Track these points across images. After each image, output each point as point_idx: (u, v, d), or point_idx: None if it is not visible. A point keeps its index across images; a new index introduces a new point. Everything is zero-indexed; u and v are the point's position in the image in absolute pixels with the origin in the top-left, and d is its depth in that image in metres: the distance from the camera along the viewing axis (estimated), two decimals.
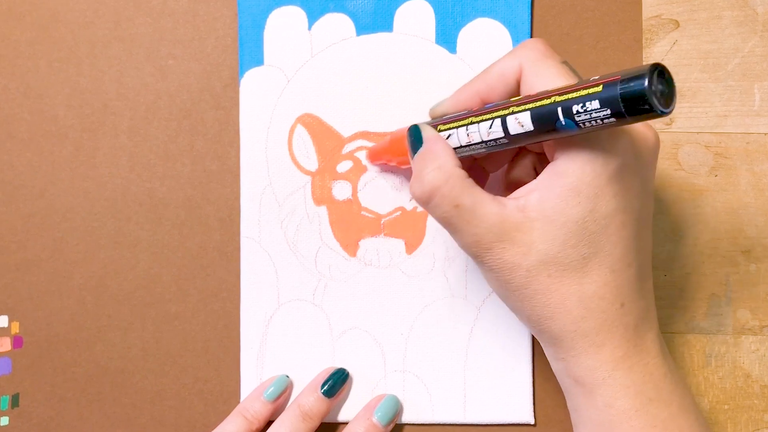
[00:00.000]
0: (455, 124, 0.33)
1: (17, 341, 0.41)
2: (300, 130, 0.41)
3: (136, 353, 0.41)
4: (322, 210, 0.41)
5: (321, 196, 0.41)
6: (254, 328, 0.41)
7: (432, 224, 0.41)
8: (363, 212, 0.41)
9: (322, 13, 0.41)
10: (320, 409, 0.39)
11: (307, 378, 0.41)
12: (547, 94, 0.29)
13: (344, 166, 0.41)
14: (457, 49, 0.41)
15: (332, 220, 0.41)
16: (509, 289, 0.31)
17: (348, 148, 0.41)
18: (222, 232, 0.41)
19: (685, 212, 0.42)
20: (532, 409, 0.41)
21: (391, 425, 0.40)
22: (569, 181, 0.29)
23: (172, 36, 0.41)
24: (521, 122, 0.29)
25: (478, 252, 0.31)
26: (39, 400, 0.41)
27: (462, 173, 0.31)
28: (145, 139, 0.41)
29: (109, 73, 0.41)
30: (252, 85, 0.41)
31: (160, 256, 0.41)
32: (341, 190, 0.41)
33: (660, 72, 0.26)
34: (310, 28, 0.41)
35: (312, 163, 0.41)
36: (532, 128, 0.29)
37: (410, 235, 0.41)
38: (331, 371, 0.40)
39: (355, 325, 0.41)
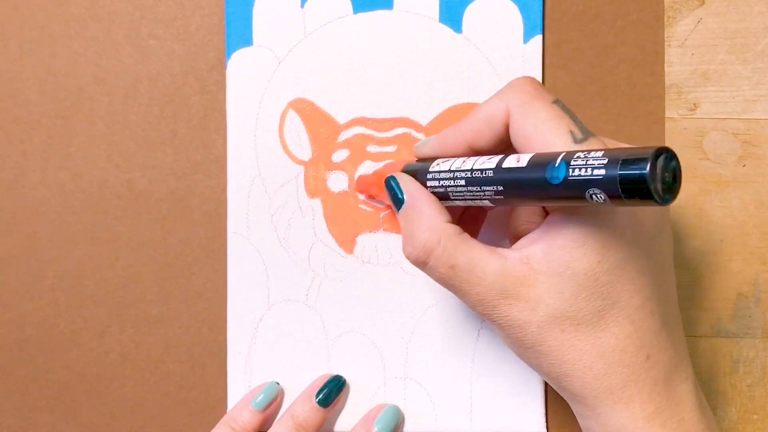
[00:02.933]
0: (442, 175, 0.32)
1: None
2: (292, 116, 0.40)
3: (115, 359, 0.40)
4: (316, 203, 0.40)
5: (315, 187, 0.40)
6: (242, 332, 0.40)
7: None
8: (360, 205, 0.40)
9: None
10: (315, 419, 0.38)
11: (300, 386, 0.40)
12: (549, 158, 0.27)
13: (340, 155, 0.40)
14: (463, 27, 0.40)
15: (327, 214, 0.40)
16: (523, 347, 0.31)
17: (344, 135, 0.40)
18: (207, 227, 0.40)
19: (711, 206, 0.40)
20: (544, 419, 0.40)
21: None
22: (573, 232, 0.28)
23: (153, 14, 0.41)
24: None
25: (484, 311, 0.30)
26: (8, 409, 0.41)
27: (454, 230, 0.31)
28: (123, 126, 0.40)
29: (85, 54, 0.41)
30: (240, 67, 0.40)
31: (141, 253, 0.40)
32: (337, 182, 0.40)
33: (666, 156, 0.24)
34: (303, 5, 0.40)
35: (305, 151, 0.40)
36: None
37: None
38: (327, 378, 0.39)
39: (351, 328, 0.40)
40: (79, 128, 0.40)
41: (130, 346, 0.40)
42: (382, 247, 0.40)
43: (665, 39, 0.40)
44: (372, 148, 0.40)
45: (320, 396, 0.38)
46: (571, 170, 0.26)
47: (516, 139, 0.30)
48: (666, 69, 0.40)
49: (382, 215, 0.40)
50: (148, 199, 0.40)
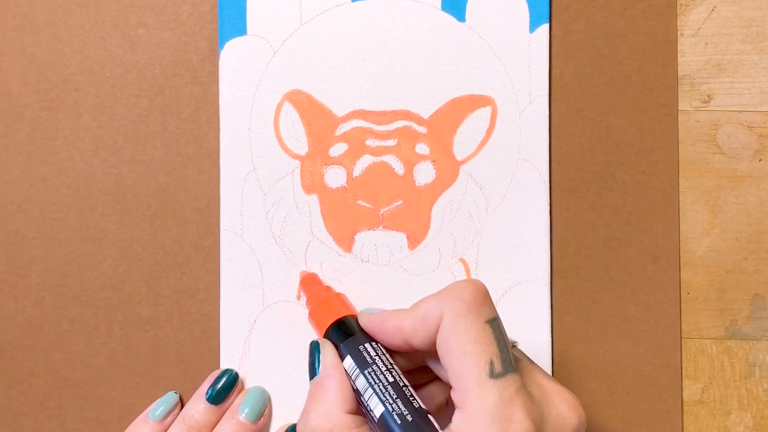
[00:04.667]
0: (361, 366, 0.33)
1: None
2: (288, 108, 0.40)
3: (102, 362, 0.40)
4: (313, 199, 0.39)
5: (311, 183, 0.39)
6: (236, 334, 0.39)
7: (437, 216, 0.39)
8: (359, 201, 0.39)
9: None
10: (208, 420, 0.37)
11: (295, 390, 0.39)
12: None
13: (338, 150, 0.39)
14: (467, 16, 0.39)
15: (324, 211, 0.39)
16: None
17: (342, 128, 0.40)
18: (199, 224, 0.40)
19: (725, 202, 0.40)
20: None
21: (263, 419, 0.38)
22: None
23: (142, 1, 0.40)
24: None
25: None
26: None
27: (350, 422, 0.31)
28: (111, 118, 0.40)
29: (71, 43, 0.40)
30: (233, 57, 0.40)
31: (129, 251, 0.40)
32: (334, 177, 0.39)
33: None
34: None
35: (301, 146, 0.40)
36: None
37: (413, 227, 0.39)
38: (217, 374, 0.38)
39: None
40: (64, 121, 0.40)
41: (118, 349, 0.40)
42: (381, 245, 0.39)
43: (678, 28, 0.40)
44: (371, 142, 0.39)
45: (210, 393, 0.37)
46: None
47: (440, 347, 0.30)
48: (678, 59, 0.39)
49: (382, 212, 0.39)
50: (136, 195, 0.40)
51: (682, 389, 0.39)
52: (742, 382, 0.39)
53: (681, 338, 0.39)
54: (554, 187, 0.39)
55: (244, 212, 0.39)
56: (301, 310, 0.39)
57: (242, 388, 0.39)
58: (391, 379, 0.31)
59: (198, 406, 0.37)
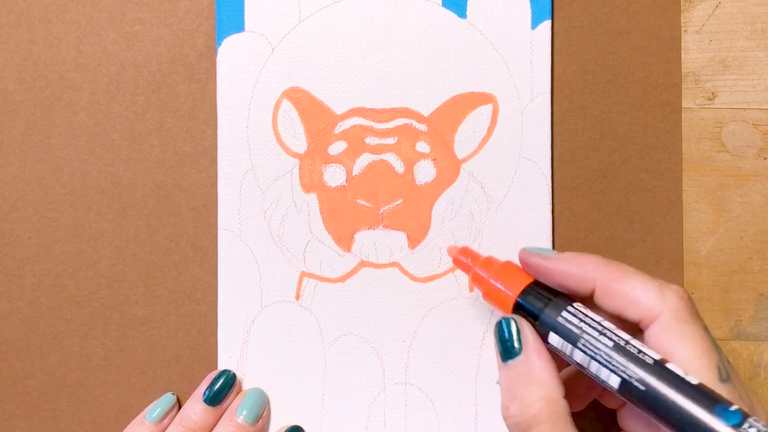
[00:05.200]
0: (591, 341, 0.30)
1: None
2: (286, 105, 0.39)
3: (98, 363, 0.39)
4: (312, 198, 0.39)
5: (310, 182, 0.39)
6: (233, 335, 0.39)
7: (438, 215, 0.39)
8: (359, 200, 0.39)
9: None
10: (206, 421, 0.37)
11: (294, 392, 0.39)
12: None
13: (337, 148, 0.39)
14: (468, 12, 0.39)
15: (323, 210, 0.39)
16: None
17: (341, 126, 0.39)
18: (196, 223, 0.40)
19: (730, 201, 0.39)
20: None
21: (261, 421, 0.38)
22: None
23: None
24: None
25: None
26: None
27: (566, 408, 0.30)
28: (107, 116, 0.40)
29: (66, 40, 0.40)
30: (231, 54, 0.39)
31: (125, 251, 0.39)
32: (333, 175, 0.39)
33: None
34: None
35: (300, 144, 0.39)
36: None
37: (413, 226, 0.39)
38: (214, 375, 0.38)
39: (349, 331, 0.39)
40: (59, 119, 0.39)
41: (114, 350, 0.39)
42: (381, 244, 0.39)
43: (682, 24, 0.39)
44: (371, 140, 0.39)
45: (207, 394, 0.37)
46: (746, 425, 0.25)
47: (657, 346, 0.29)
48: (683, 56, 0.39)
49: (381, 211, 0.39)
50: (133, 194, 0.39)
51: None
52: (747, 383, 0.39)
53: None
54: (556, 186, 0.39)
55: (241, 211, 0.39)
56: (299, 310, 0.39)
57: (240, 389, 0.38)
58: (610, 343, 0.29)
59: (195, 407, 0.37)
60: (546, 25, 0.38)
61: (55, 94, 0.39)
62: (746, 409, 0.27)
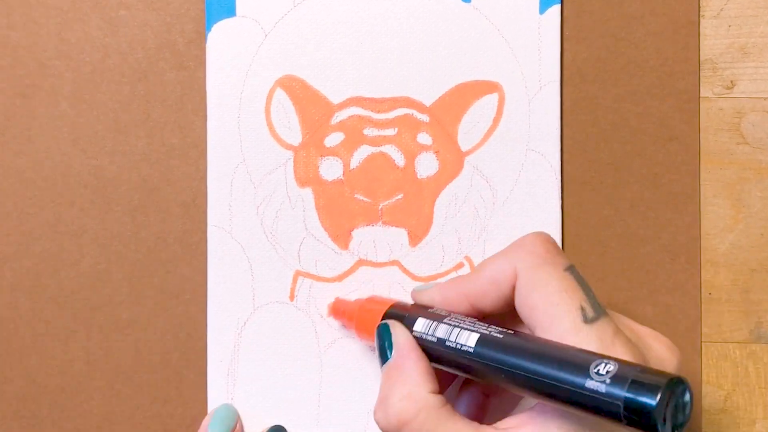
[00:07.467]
0: (438, 328, 0.32)
1: None
2: (280, 95, 0.39)
3: (80, 367, 0.39)
4: (307, 193, 0.39)
5: (305, 175, 0.39)
6: (224, 338, 0.39)
7: (441, 210, 0.39)
8: (357, 195, 0.39)
9: None
10: None
11: (289, 399, 0.39)
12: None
13: (334, 140, 0.39)
14: None
15: (319, 205, 0.39)
16: None
17: (338, 117, 0.39)
18: (185, 219, 0.40)
19: (750, 195, 0.39)
20: None
21: None
22: (567, 423, 0.28)
23: None
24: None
25: None
26: None
27: (436, 401, 0.30)
28: (90, 106, 0.40)
29: (47, 25, 0.40)
30: (221, 40, 0.39)
31: (110, 249, 0.39)
32: (330, 169, 0.39)
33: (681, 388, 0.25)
34: None
35: (294, 135, 0.39)
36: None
37: (414, 223, 0.39)
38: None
39: (346, 334, 0.39)
40: (40, 109, 0.39)
41: (98, 354, 0.39)
42: (380, 242, 0.39)
43: (699, 9, 0.39)
44: (369, 132, 0.39)
45: None
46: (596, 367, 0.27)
47: (520, 306, 0.30)
48: (700, 42, 0.39)
49: (381, 206, 0.39)
50: (118, 189, 0.39)
51: (702, 396, 0.38)
52: (767, 389, 0.39)
53: (702, 342, 0.38)
54: (566, 180, 0.38)
55: (233, 207, 0.39)
56: (294, 311, 0.39)
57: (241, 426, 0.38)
58: (474, 320, 0.31)
59: None
60: (555, 10, 0.38)
61: (36, 83, 0.39)
62: (602, 351, 0.28)
